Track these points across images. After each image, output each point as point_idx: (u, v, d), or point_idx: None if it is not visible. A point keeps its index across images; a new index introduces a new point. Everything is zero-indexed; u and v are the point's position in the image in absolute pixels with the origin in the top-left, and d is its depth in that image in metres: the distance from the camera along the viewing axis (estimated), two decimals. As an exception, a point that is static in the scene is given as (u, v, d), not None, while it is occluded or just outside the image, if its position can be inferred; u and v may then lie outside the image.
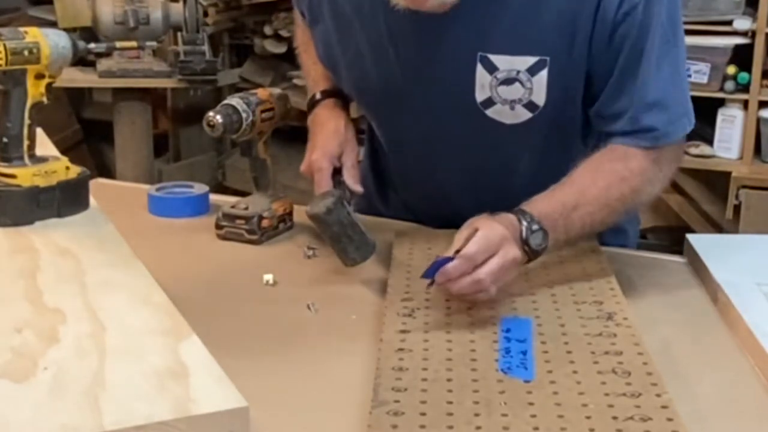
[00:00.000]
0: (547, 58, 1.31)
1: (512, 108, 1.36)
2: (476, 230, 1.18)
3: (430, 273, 1.15)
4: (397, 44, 1.38)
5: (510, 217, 1.23)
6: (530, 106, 1.35)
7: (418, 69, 1.38)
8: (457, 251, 1.15)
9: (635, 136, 1.32)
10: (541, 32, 1.30)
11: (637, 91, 1.30)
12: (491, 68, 1.33)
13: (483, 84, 1.34)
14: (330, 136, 1.44)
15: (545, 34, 1.30)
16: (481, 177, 1.46)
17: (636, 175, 1.31)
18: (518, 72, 1.32)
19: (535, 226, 1.22)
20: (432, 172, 1.49)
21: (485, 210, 1.50)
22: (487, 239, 1.17)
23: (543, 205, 1.26)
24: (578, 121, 1.41)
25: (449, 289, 1.17)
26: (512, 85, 1.33)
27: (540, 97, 1.34)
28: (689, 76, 3.11)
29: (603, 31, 1.28)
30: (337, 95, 1.53)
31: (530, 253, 1.23)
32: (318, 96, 1.53)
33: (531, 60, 1.32)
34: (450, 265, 1.14)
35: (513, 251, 1.18)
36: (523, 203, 1.26)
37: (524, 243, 1.22)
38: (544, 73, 1.32)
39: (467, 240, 1.17)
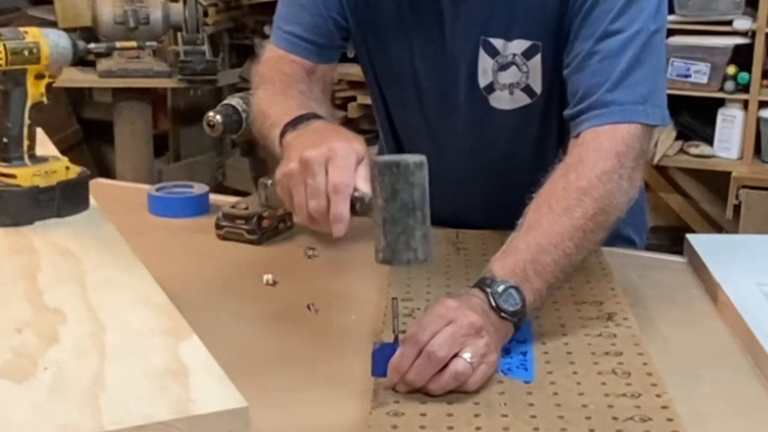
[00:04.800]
0: (539, 43, 1.33)
1: (511, 93, 1.38)
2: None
3: (379, 368, 1.00)
4: (413, 26, 1.39)
5: (471, 293, 1.08)
6: (528, 91, 1.37)
7: (430, 50, 1.39)
8: (396, 338, 1.01)
9: (595, 111, 1.22)
10: (532, 17, 1.32)
11: (600, 68, 1.24)
12: (492, 52, 1.35)
13: (485, 68, 1.37)
14: (352, 137, 1.11)
15: (536, 19, 1.32)
16: (485, 166, 1.47)
17: (596, 181, 1.16)
18: (514, 56, 1.35)
19: (500, 288, 1.06)
20: (441, 158, 1.49)
21: (489, 200, 1.51)
22: (431, 315, 1.02)
23: (502, 261, 1.11)
24: None
25: (407, 382, 0.99)
26: (509, 69, 1.36)
27: (537, 82, 1.36)
28: (688, 75, 3.12)
29: (572, 16, 1.28)
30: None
31: (511, 317, 1.06)
32: (312, 114, 1.22)
33: (525, 44, 1.34)
34: (395, 356, 0.99)
35: (469, 317, 1.01)
36: (491, 263, 1.12)
37: (498, 311, 1.05)
38: (538, 58, 1.34)
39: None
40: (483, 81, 1.38)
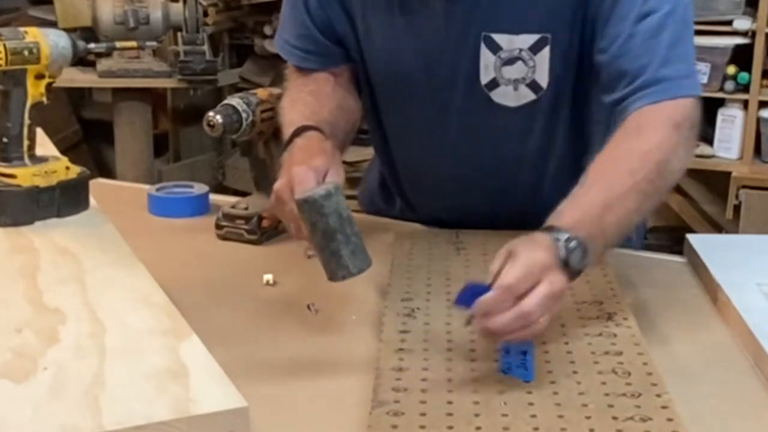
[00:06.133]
0: (549, 36, 1.33)
1: (516, 88, 1.37)
2: (510, 256, 1.03)
3: (465, 299, 1.01)
4: (407, 25, 1.38)
5: (544, 238, 1.07)
6: (533, 86, 1.37)
7: (426, 51, 1.38)
8: (494, 281, 1.01)
9: (649, 89, 1.26)
10: (541, 9, 1.32)
11: (644, 48, 1.27)
12: (495, 48, 1.35)
13: (487, 65, 1.36)
14: (315, 153, 1.23)
15: (546, 11, 1.32)
16: (485, 167, 1.46)
17: (656, 147, 1.20)
18: (520, 50, 1.34)
19: (572, 244, 1.07)
20: (436, 160, 1.48)
21: (488, 203, 1.50)
22: (527, 267, 1.02)
23: (572, 215, 1.11)
24: (581, 107, 1.43)
25: (489, 326, 1.00)
26: (515, 65, 1.35)
27: (543, 77, 1.36)
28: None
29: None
30: (320, 131, 1.33)
31: (571, 274, 1.07)
32: (298, 128, 1.31)
33: (533, 38, 1.33)
34: (487, 297, 1.00)
35: (560, 279, 1.04)
36: (550, 218, 1.12)
37: (564, 264, 1.06)
38: (546, 51, 1.34)
39: (501, 268, 1.02)
40: (485, 77, 1.37)
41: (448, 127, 1.44)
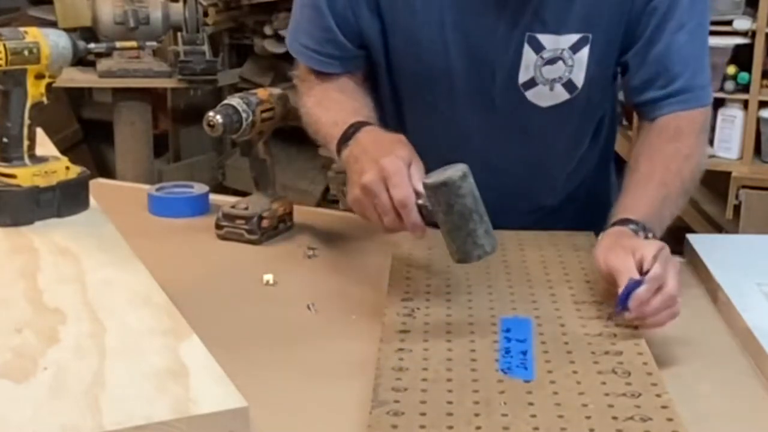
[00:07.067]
0: (590, 35, 1.35)
1: (551, 88, 1.38)
2: (632, 251, 1.15)
3: (623, 300, 1.12)
4: (456, 24, 1.37)
5: (630, 230, 1.22)
6: (569, 85, 1.38)
7: (472, 50, 1.38)
8: (644, 273, 1.12)
9: (683, 96, 1.38)
10: (584, 9, 1.34)
11: (679, 57, 1.38)
12: (538, 48, 1.36)
13: (528, 65, 1.37)
14: (394, 144, 1.21)
15: (588, 10, 1.34)
16: (504, 175, 1.45)
17: (694, 150, 1.36)
18: (562, 50, 1.36)
19: (649, 235, 1.23)
20: (454, 160, 1.47)
21: (494, 204, 1.50)
22: (665, 258, 1.14)
23: (641, 209, 1.26)
24: (608, 113, 1.46)
25: (645, 314, 1.11)
26: (555, 64, 1.37)
27: (579, 77, 1.38)
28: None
29: (640, 3, 1.35)
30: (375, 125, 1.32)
31: None
32: (354, 123, 1.29)
33: (574, 37, 1.35)
34: (642, 289, 1.11)
35: (677, 262, 1.17)
36: (619, 211, 1.26)
37: None
38: (585, 50, 1.36)
39: (640, 262, 1.14)
40: (524, 77, 1.38)
41: (476, 126, 1.43)
